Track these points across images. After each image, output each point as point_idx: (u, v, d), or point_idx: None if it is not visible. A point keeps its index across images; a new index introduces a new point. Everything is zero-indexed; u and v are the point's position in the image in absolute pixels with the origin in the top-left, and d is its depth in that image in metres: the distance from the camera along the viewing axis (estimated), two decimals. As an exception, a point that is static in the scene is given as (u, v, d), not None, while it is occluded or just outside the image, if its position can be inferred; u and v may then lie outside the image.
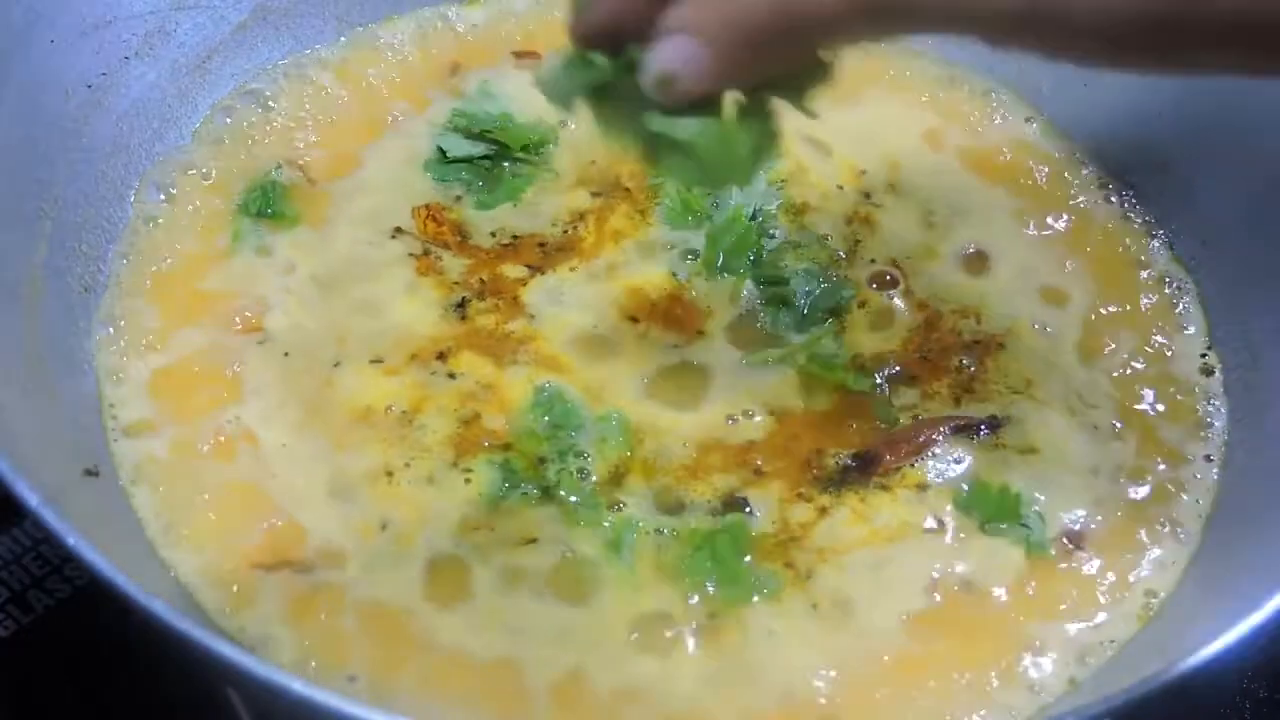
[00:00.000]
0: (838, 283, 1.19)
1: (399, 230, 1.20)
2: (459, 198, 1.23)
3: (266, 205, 1.21)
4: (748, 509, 1.06)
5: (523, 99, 1.29)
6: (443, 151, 1.25)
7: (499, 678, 0.98)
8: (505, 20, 1.38)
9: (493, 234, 1.21)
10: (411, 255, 1.19)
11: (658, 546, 1.04)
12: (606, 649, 1.00)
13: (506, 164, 1.25)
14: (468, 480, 1.07)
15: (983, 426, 1.12)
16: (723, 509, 1.06)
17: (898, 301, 1.20)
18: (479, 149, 1.25)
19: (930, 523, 1.07)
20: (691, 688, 0.99)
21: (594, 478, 1.07)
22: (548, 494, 1.06)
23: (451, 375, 1.12)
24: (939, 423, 1.12)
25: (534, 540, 1.03)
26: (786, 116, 1.30)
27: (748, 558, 1.04)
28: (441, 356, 1.13)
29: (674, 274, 1.18)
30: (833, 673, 1.00)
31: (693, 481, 1.08)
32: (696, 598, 1.02)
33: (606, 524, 1.05)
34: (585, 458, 1.08)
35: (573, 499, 1.05)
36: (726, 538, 1.04)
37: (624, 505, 1.06)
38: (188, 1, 1.28)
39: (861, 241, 1.23)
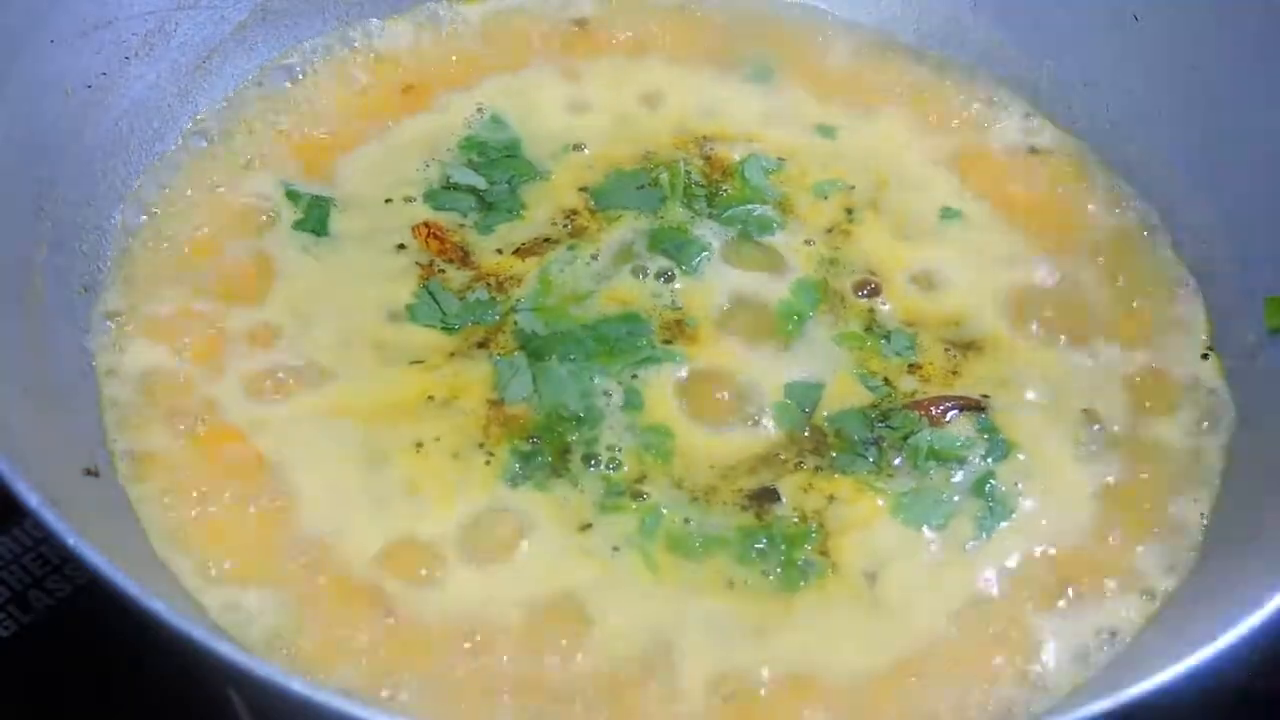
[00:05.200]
0: (825, 286, 1.20)
1: (401, 246, 1.20)
2: (461, 225, 1.23)
3: (317, 224, 1.21)
4: (779, 499, 1.07)
5: (533, 125, 1.30)
6: (448, 178, 1.25)
7: (504, 674, 0.99)
8: (505, 19, 1.38)
9: (498, 250, 1.21)
10: (418, 265, 1.19)
11: (685, 534, 1.05)
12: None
13: (508, 190, 1.25)
14: (488, 462, 1.07)
15: (980, 404, 1.13)
16: (750, 502, 1.07)
17: (883, 307, 1.20)
18: (481, 181, 1.25)
19: (940, 510, 1.08)
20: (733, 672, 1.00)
21: (624, 468, 1.08)
22: (566, 481, 1.07)
23: (491, 358, 1.13)
24: (937, 401, 1.12)
25: (589, 526, 1.05)
26: (794, 120, 1.32)
27: (806, 546, 1.05)
28: (484, 344, 1.14)
29: (669, 302, 1.18)
30: (846, 663, 1.00)
31: (720, 483, 1.08)
32: (737, 585, 1.03)
33: (633, 508, 1.05)
34: (617, 451, 1.08)
35: (599, 490, 1.06)
36: (779, 528, 1.05)
37: (648, 495, 1.06)
38: (187, 1, 1.28)
39: (840, 249, 1.23)
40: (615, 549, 1.04)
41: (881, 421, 1.12)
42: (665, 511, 1.06)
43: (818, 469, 1.09)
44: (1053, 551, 1.07)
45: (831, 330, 1.17)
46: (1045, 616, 1.04)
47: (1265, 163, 1.21)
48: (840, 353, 1.16)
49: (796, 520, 1.06)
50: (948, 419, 1.12)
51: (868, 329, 1.18)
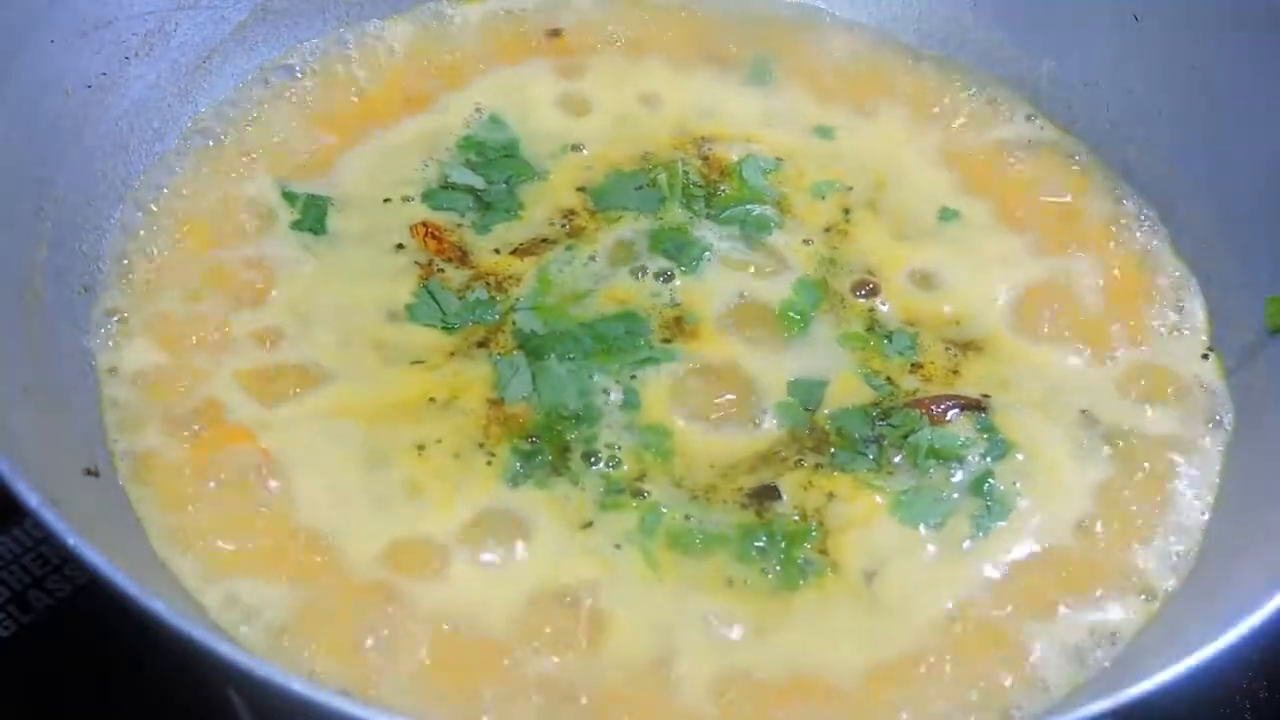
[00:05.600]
0: (825, 285, 1.20)
1: (400, 246, 1.20)
2: (459, 224, 1.23)
3: (315, 223, 1.21)
4: (779, 497, 1.07)
5: (531, 125, 1.30)
6: (446, 178, 1.25)
7: (502, 671, 0.99)
8: (505, 19, 1.38)
9: (496, 250, 1.21)
10: (417, 264, 1.19)
11: (685, 531, 1.05)
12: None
13: (506, 190, 1.25)
14: (489, 462, 1.07)
15: (980, 403, 1.13)
16: (750, 500, 1.07)
17: (883, 308, 1.20)
18: (479, 181, 1.25)
19: (938, 508, 1.08)
20: (728, 671, 1.00)
21: (624, 467, 1.08)
22: (566, 479, 1.07)
23: (490, 357, 1.13)
24: (938, 400, 1.13)
25: (590, 524, 1.05)
26: (793, 120, 1.32)
27: (806, 544, 1.05)
28: (483, 344, 1.14)
29: (668, 300, 1.18)
30: (845, 662, 1.00)
31: (721, 481, 1.09)
32: (737, 584, 1.03)
33: (634, 506, 1.06)
34: (616, 449, 1.08)
35: (600, 488, 1.07)
36: (777, 525, 1.05)
37: (649, 493, 1.06)
38: (187, 1, 1.28)
39: (838, 249, 1.23)
40: (617, 546, 1.04)
41: (882, 420, 1.12)
42: (665, 510, 1.06)
43: (818, 466, 1.09)
44: (1052, 551, 1.07)
45: (835, 330, 1.17)
46: (1044, 616, 1.04)
47: (1265, 163, 1.21)
48: (843, 352, 1.16)
49: (797, 518, 1.06)
50: (948, 418, 1.13)
51: (869, 329, 1.18)
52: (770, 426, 1.12)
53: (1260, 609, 0.91)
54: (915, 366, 1.16)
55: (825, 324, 1.18)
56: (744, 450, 1.10)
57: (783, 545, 1.05)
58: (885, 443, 1.11)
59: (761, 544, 1.05)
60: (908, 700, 0.99)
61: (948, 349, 1.18)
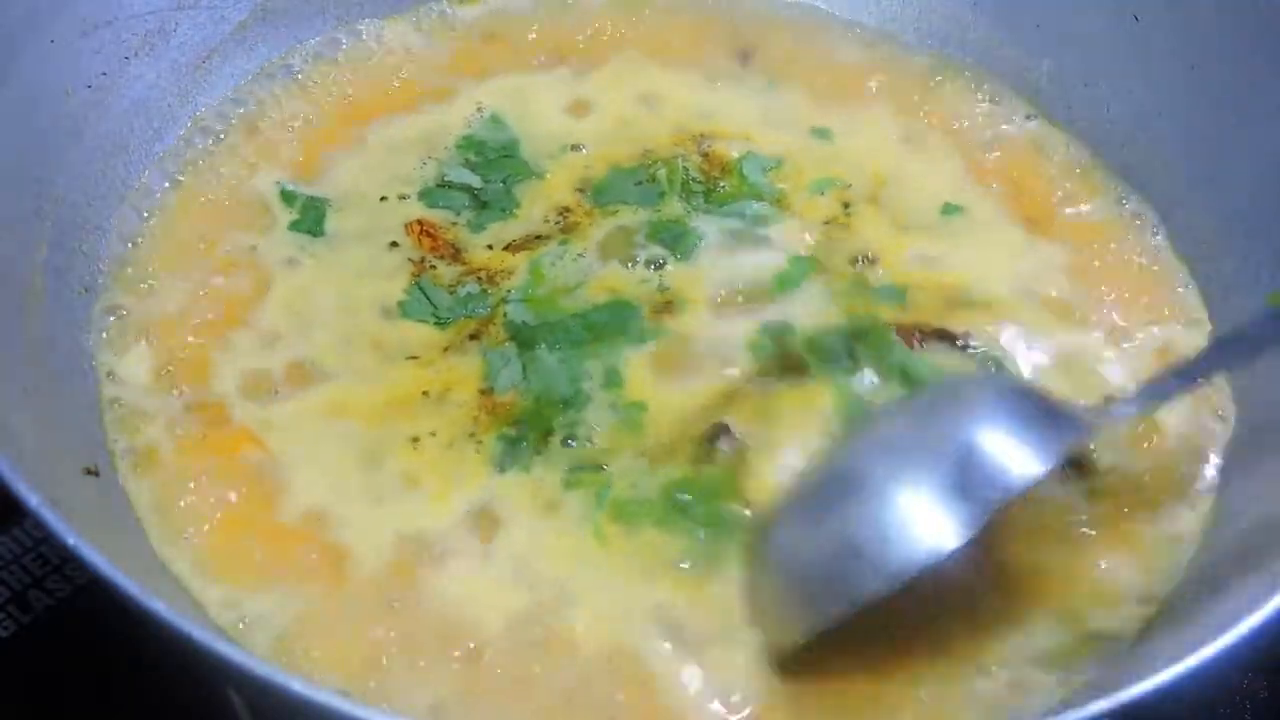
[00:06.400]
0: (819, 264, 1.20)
1: (394, 244, 1.20)
2: (454, 223, 1.23)
3: (313, 224, 1.21)
4: (730, 431, 1.06)
5: (532, 125, 1.30)
6: (444, 176, 1.25)
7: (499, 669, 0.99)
8: (505, 19, 1.38)
9: (489, 246, 1.21)
10: (410, 261, 1.19)
11: (627, 501, 1.05)
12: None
13: (503, 189, 1.25)
14: (477, 451, 1.07)
15: (964, 340, 1.13)
16: (703, 447, 1.06)
17: (878, 272, 1.20)
18: (476, 180, 1.25)
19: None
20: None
21: (593, 444, 1.08)
22: (542, 461, 1.07)
23: (482, 349, 1.13)
24: (916, 328, 1.13)
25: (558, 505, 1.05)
26: (792, 121, 1.32)
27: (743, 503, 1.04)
28: (475, 336, 1.14)
29: (658, 285, 1.18)
30: (838, 666, 1.00)
31: (680, 435, 1.08)
32: (685, 553, 1.03)
33: (591, 481, 1.06)
34: (594, 429, 1.08)
35: (564, 466, 1.07)
36: (707, 480, 1.05)
37: (606, 467, 1.07)
38: (188, 1, 1.28)
39: (835, 240, 1.23)
40: (578, 524, 1.04)
41: (857, 340, 1.12)
42: (617, 481, 1.06)
43: (773, 393, 1.09)
44: (1050, 549, 1.07)
45: (823, 288, 1.17)
46: (1044, 615, 1.04)
47: (1265, 162, 1.21)
48: (828, 297, 1.16)
49: (734, 456, 1.06)
50: (925, 347, 1.12)
51: (859, 284, 1.18)
52: (742, 364, 1.11)
53: (1260, 609, 0.91)
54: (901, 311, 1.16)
55: (814, 284, 1.17)
56: (711, 393, 1.10)
57: (704, 501, 1.04)
58: (859, 356, 1.10)
59: (685, 499, 1.04)
60: (910, 699, 0.99)
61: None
